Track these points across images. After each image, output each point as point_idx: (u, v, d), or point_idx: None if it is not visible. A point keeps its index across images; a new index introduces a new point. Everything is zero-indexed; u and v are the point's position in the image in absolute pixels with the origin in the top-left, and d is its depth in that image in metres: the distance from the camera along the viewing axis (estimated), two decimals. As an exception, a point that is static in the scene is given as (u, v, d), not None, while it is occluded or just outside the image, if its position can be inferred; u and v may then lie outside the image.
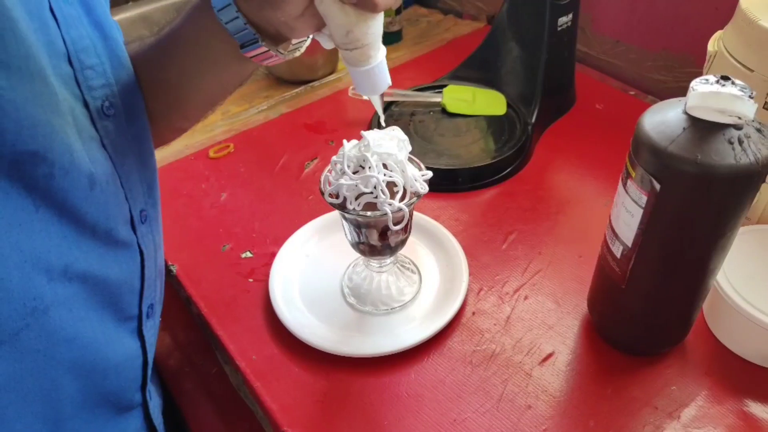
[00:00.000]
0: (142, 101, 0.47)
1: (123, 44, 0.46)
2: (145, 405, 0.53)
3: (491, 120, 0.79)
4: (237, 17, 0.39)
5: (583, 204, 0.69)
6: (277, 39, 0.42)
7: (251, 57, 0.41)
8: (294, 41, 0.44)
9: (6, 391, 0.39)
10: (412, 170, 0.50)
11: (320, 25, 0.40)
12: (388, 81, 0.44)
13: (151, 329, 0.51)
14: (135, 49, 0.47)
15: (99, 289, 0.43)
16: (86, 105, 0.41)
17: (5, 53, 0.33)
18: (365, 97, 0.46)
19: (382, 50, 0.42)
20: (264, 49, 0.40)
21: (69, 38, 0.40)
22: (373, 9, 0.37)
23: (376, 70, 0.42)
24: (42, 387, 0.41)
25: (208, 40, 0.42)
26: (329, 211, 0.65)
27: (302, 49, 0.45)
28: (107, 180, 0.42)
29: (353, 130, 0.51)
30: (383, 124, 0.49)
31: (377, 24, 0.40)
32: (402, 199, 0.49)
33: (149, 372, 0.51)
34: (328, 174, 0.51)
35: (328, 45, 0.43)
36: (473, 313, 0.57)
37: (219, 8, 0.39)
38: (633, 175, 0.43)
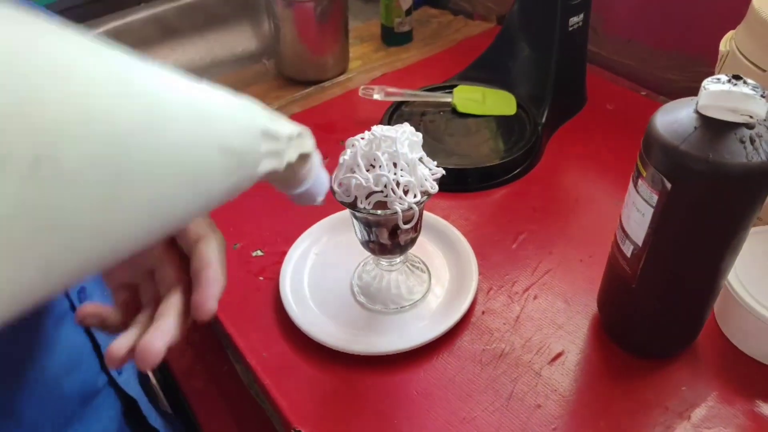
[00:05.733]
0: None
1: None
2: (112, 382, 0.52)
3: (501, 120, 0.79)
4: None
5: (593, 204, 0.69)
6: None
7: None
8: None
9: None
10: (422, 169, 0.50)
11: None
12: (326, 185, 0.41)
13: None
14: None
15: None
16: None
17: None
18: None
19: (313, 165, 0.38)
20: None
21: None
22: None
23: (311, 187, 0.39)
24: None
25: None
26: (340, 210, 0.66)
27: None
28: None
29: (364, 130, 0.51)
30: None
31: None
32: (412, 198, 0.49)
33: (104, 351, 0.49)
34: (338, 172, 0.51)
35: None
36: (483, 313, 0.57)
37: None
38: (644, 174, 0.43)
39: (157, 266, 0.36)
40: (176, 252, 0.36)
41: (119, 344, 0.32)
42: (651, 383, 0.51)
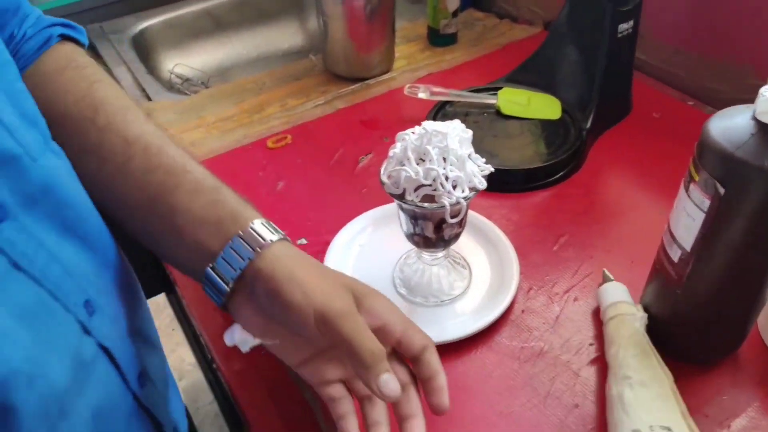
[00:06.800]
0: None
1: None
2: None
3: (545, 124, 0.80)
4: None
5: (636, 211, 0.69)
6: None
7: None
8: None
9: None
10: (471, 165, 0.51)
11: None
12: None
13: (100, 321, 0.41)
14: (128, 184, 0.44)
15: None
16: None
17: None
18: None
19: None
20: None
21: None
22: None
23: None
24: None
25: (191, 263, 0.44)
26: (383, 203, 0.67)
27: None
28: None
29: (408, 128, 0.52)
30: None
31: None
32: (460, 192, 0.50)
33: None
34: (387, 165, 0.52)
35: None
36: (522, 311, 0.58)
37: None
38: (696, 178, 0.43)
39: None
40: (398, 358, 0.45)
41: None
42: (691, 390, 0.50)
